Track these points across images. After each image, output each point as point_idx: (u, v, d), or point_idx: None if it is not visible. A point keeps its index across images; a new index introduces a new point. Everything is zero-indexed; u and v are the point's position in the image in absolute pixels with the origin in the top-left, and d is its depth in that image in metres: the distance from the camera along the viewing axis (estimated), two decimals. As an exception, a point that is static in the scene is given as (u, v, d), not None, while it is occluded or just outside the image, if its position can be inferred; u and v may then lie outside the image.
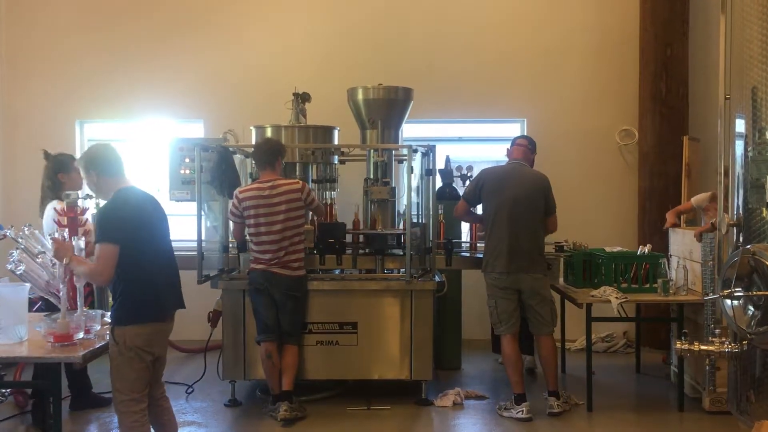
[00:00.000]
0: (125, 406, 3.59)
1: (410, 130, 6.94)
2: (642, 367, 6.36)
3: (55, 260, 3.79)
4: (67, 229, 4.07)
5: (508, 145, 7.68)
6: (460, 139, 7.80)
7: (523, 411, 5.05)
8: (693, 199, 6.17)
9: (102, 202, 3.88)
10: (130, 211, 3.59)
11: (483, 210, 5.32)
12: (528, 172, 5.32)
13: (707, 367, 3.94)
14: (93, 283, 3.73)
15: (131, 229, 3.54)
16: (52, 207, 4.76)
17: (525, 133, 7.59)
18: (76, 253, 3.73)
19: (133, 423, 3.59)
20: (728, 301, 3.48)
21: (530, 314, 5.19)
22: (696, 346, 3.79)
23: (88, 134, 7.81)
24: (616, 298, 5.13)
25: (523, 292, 5.13)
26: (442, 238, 5.76)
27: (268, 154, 5.06)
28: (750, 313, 3.31)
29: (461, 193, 6.55)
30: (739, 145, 3.65)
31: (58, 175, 5.03)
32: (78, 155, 7.49)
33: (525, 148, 5.40)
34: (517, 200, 5.13)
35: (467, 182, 6.54)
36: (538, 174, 5.30)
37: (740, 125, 3.68)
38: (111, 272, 3.50)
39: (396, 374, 5.37)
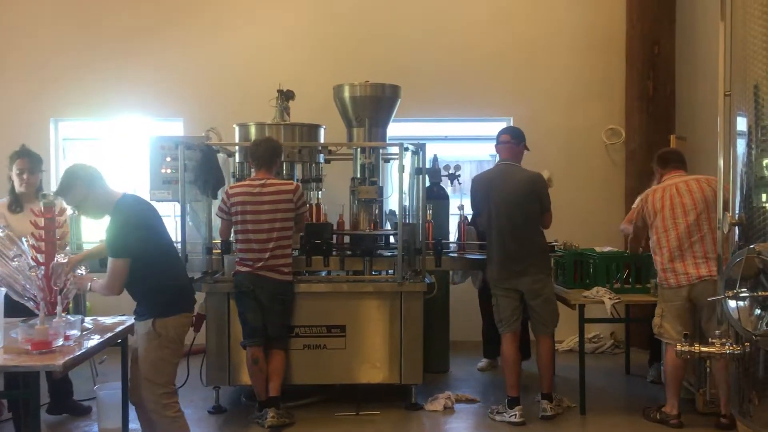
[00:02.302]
0: (167, 398, 3.74)
1: (395, 129, 6.82)
2: (631, 368, 6.31)
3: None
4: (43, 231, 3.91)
5: (494, 143, 7.59)
6: (446, 138, 7.70)
7: (516, 415, 4.95)
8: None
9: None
10: (137, 217, 3.71)
11: (482, 218, 5.23)
12: (516, 173, 5.08)
13: (708, 369, 3.85)
14: (107, 296, 3.73)
15: (144, 234, 3.68)
16: None
17: (512, 132, 7.51)
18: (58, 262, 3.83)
19: (176, 414, 3.77)
20: (732, 302, 3.41)
21: (531, 313, 5.10)
22: (696, 348, 3.73)
23: (63, 133, 7.59)
24: (610, 298, 5.06)
25: (525, 293, 5.03)
26: (463, 239, 5.77)
27: (269, 153, 4.90)
28: (757, 314, 3.24)
29: (449, 193, 6.49)
30: (741, 143, 3.59)
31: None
32: (53, 154, 7.33)
33: (510, 145, 5.17)
34: (505, 205, 4.98)
35: (455, 181, 6.46)
36: (527, 174, 5.08)
37: (741, 123, 3.62)
38: (121, 286, 3.68)
39: (385, 378, 5.25)
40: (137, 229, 3.66)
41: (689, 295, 4.74)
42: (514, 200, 4.98)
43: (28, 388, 3.38)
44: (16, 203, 4.82)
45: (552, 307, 5.10)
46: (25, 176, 4.83)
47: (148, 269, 3.65)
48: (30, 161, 4.87)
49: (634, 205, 6.06)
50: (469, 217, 5.84)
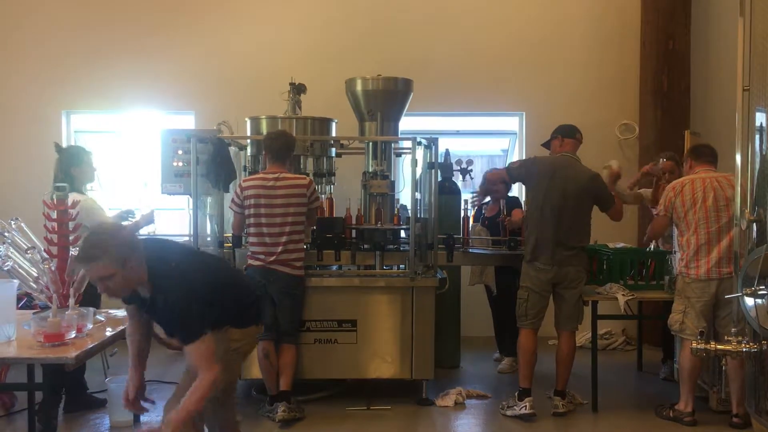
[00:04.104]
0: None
1: (406, 123, 6.78)
2: (644, 365, 6.27)
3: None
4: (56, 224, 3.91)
5: (507, 139, 7.52)
6: (457, 133, 7.67)
7: (526, 406, 4.92)
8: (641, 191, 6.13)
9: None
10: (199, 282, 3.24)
11: (530, 197, 5.15)
12: (582, 168, 5.13)
13: (723, 367, 3.83)
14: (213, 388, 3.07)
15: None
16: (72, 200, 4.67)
17: (524, 127, 7.49)
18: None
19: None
20: (749, 300, 3.38)
21: (560, 307, 5.06)
22: (712, 346, 3.70)
23: (75, 125, 7.59)
24: (623, 295, 5.01)
25: (560, 284, 4.99)
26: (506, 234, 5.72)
27: (284, 148, 4.89)
28: (775, 312, 3.21)
29: (460, 188, 6.45)
30: (759, 139, 3.56)
31: (71, 168, 4.95)
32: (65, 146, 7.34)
33: (577, 142, 5.22)
34: (569, 193, 4.97)
35: (467, 176, 6.42)
36: (590, 171, 5.12)
37: (759, 118, 3.58)
38: (217, 361, 3.13)
39: (396, 373, 5.23)
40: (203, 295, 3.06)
41: (716, 291, 4.70)
42: (575, 190, 4.99)
43: (42, 380, 3.39)
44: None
45: (581, 304, 5.07)
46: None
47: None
48: None
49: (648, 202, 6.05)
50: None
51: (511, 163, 5.42)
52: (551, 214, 4.98)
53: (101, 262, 2.86)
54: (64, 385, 4.94)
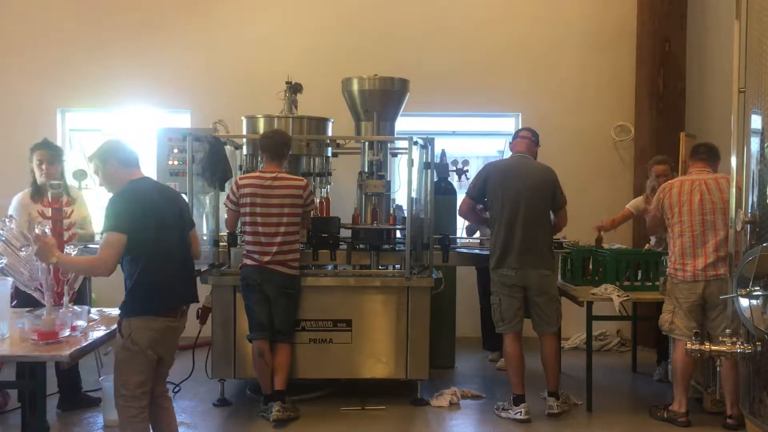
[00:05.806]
0: (124, 401, 3.54)
1: (403, 124, 6.79)
2: (638, 366, 6.28)
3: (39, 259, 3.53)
4: (50, 222, 3.89)
5: (504, 140, 7.56)
6: (453, 133, 7.67)
7: (521, 412, 4.92)
8: (629, 205, 6.12)
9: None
10: (138, 201, 3.52)
11: (489, 205, 5.15)
12: (534, 164, 5.15)
13: (718, 368, 3.83)
14: (93, 275, 3.49)
15: (139, 219, 3.47)
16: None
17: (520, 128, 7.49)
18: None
19: (131, 418, 3.54)
20: (744, 301, 3.37)
21: (535, 312, 5.05)
22: (707, 347, 3.70)
23: (69, 123, 7.57)
24: (618, 296, 5.02)
25: (530, 289, 4.98)
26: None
27: (280, 146, 4.88)
28: (770, 312, 3.21)
29: (456, 188, 6.45)
30: (755, 141, 3.55)
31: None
32: (59, 145, 7.34)
33: (529, 140, 5.22)
34: (525, 194, 4.96)
35: (462, 177, 6.42)
36: (544, 167, 5.13)
37: (755, 121, 3.58)
38: (115, 262, 3.42)
39: (391, 373, 5.23)
40: (132, 209, 3.47)
41: (703, 293, 4.71)
42: (532, 189, 4.97)
43: (34, 378, 3.38)
44: (38, 193, 4.95)
45: (556, 306, 5.09)
46: (43, 167, 4.99)
47: (134, 261, 3.47)
48: (48, 153, 5.05)
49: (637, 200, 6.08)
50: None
51: (468, 187, 5.32)
52: (512, 217, 4.95)
53: (94, 161, 3.66)
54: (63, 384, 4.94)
